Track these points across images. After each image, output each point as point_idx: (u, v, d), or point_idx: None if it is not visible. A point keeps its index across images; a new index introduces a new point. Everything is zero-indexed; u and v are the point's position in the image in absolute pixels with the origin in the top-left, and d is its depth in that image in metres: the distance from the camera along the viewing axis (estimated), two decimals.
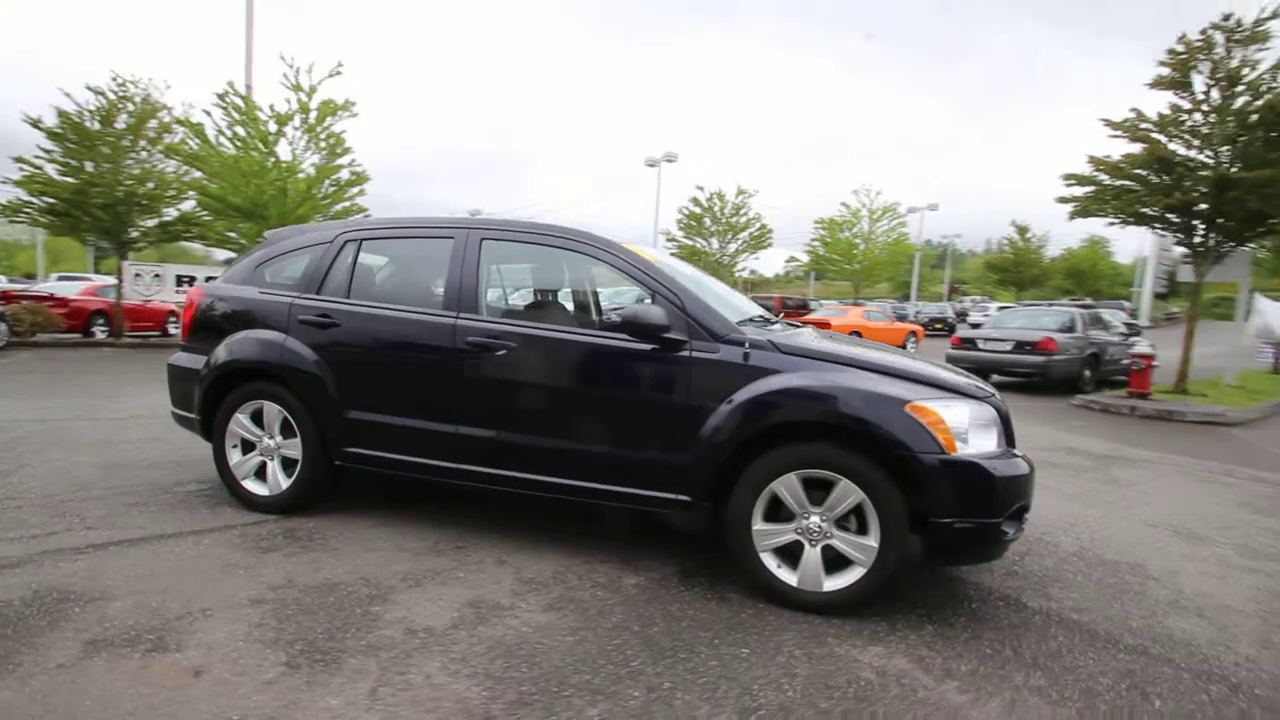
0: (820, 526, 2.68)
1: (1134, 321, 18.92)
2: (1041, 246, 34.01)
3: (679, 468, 2.82)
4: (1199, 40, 9.65)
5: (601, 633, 2.44)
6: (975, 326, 16.38)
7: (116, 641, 2.21)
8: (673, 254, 19.88)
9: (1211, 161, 9.50)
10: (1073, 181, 11.25)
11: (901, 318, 23.81)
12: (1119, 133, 10.57)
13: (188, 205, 13.89)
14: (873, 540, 2.61)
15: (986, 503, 2.57)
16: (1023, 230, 33.52)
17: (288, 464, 3.49)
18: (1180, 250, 12.23)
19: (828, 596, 2.67)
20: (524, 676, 2.12)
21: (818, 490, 2.68)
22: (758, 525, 2.74)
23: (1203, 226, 9.96)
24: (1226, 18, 9.48)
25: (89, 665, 2.07)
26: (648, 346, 2.88)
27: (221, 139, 12.36)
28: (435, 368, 3.17)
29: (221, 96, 12.11)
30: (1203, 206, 9.58)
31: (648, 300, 3.00)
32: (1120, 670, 2.38)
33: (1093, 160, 11.02)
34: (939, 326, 28.05)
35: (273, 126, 12.40)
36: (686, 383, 2.83)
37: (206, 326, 3.71)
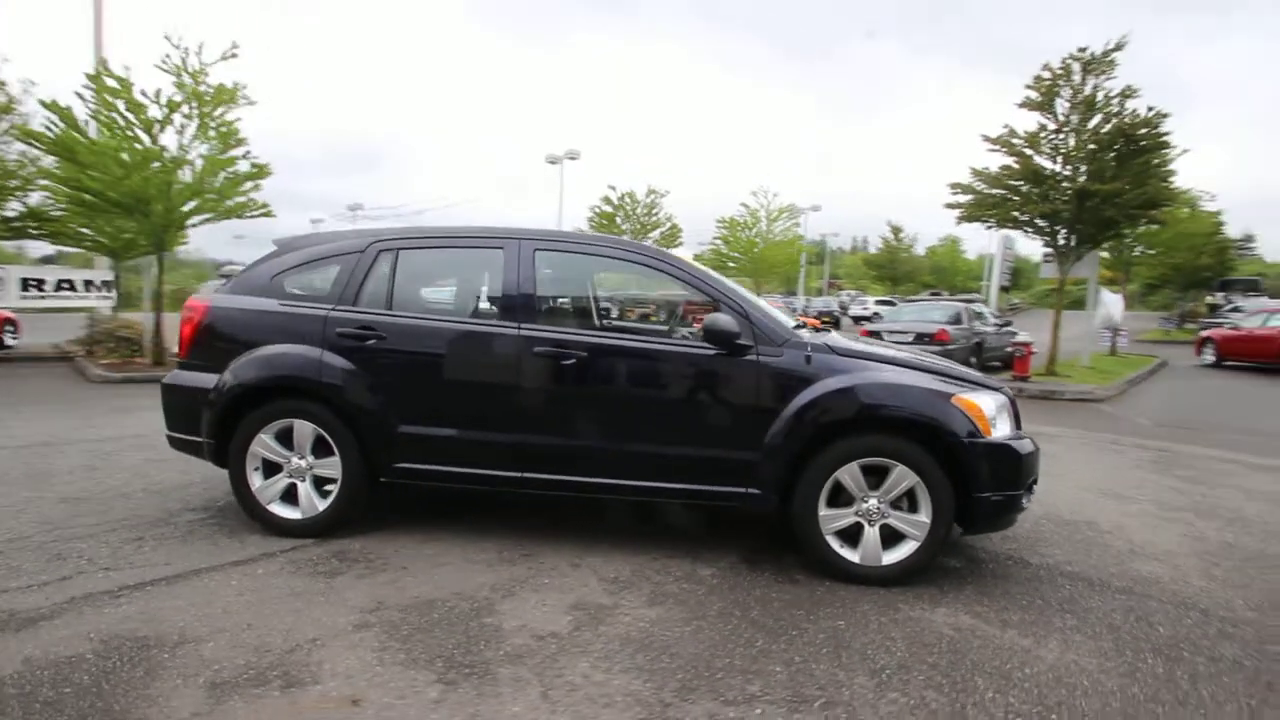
0: (878, 508, 3.01)
1: (999, 313, 21.40)
2: (912, 245, 37.64)
3: (748, 464, 3.05)
4: (1060, 68, 11.21)
5: (712, 620, 2.62)
6: (863, 319, 17.90)
7: (241, 682, 2.10)
8: None
9: (1072, 175, 11.08)
10: (958, 189, 12.66)
11: (793, 311, 25.45)
12: (996, 147, 12.05)
13: (35, 198, 12.16)
14: (924, 517, 2.98)
15: (1014, 478, 3.02)
16: (896, 230, 36.93)
17: (320, 484, 3.34)
18: (1033, 249, 14.09)
19: (885, 570, 3.01)
20: (673, 666, 2.27)
21: (872, 476, 3.01)
22: (823, 511, 3.03)
23: (1065, 231, 11.60)
24: (1082, 50, 11.08)
25: (230, 710, 1.97)
26: (715, 351, 3.08)
27: (93, 125, 10.92)
28: (499, 378, 3.18)
29: (94, 77, 10.69)
30: (1066, 214, 11.15)
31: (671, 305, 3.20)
32: (1123, 608, 2.90)
33: (974, 171, 12.46)
34: (827, 320, 30.26)
35: (157, 112, 11.13)
36: (755, 385, 3.06)
37: (216, 342, 3.44)
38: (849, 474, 3.00)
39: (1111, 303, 15.06)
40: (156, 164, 11.19)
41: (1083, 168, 10.97)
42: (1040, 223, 11.61)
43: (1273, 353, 13.48)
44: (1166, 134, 10.34)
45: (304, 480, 3.34)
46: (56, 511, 3.67)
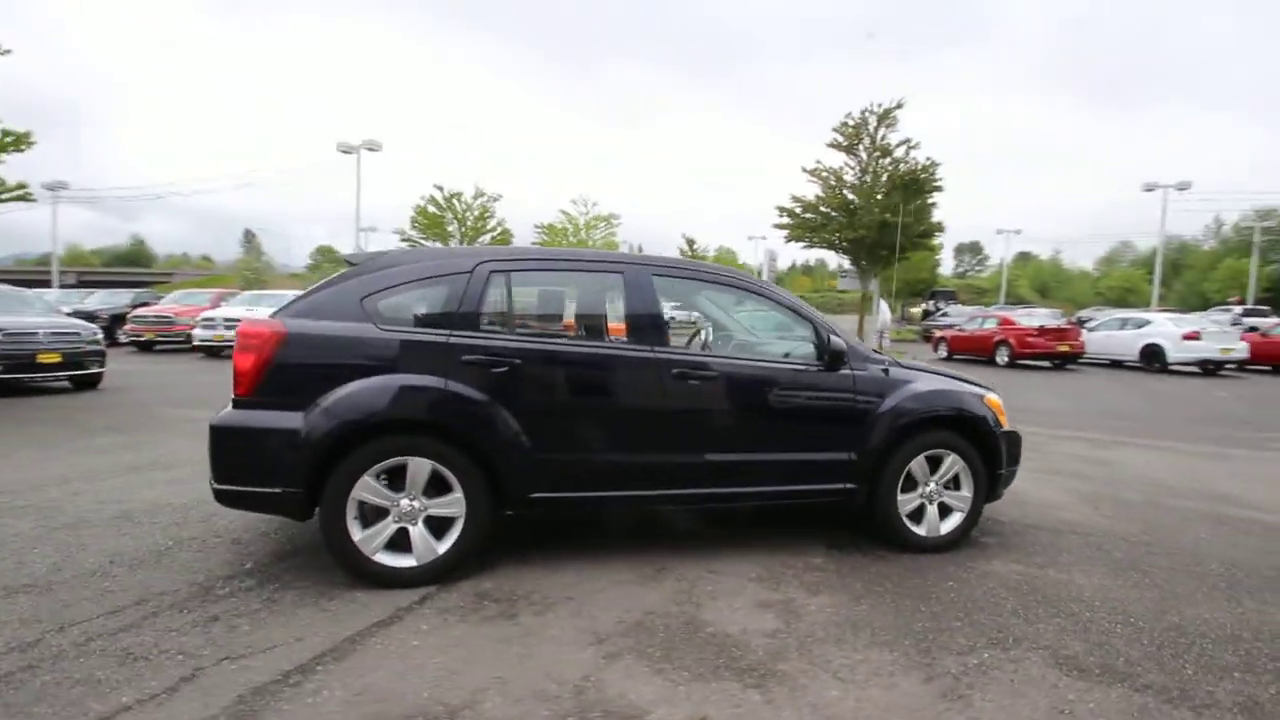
0: (936, 490, 3.75)
1: None
2: (704, 256, 41.53)
3: (849, 463, 3.58)
4: (859, 119, 13.64)
5: (874, 598, 3.09)
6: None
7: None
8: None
9: (872, 208, 13.57)
10: (783, 213, 14.65)
11: None
12: (812, 178, 14.22)
13: None
14: (967, 493, 3.79)
15: (1017, 454, 3.98)
16: (691, 241, 40.47)
17: (434, 525, 3.10)
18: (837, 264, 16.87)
19: (942, 539, 3.76)
20: (893, 636, 2.70)
21: (930, 464, 3.75)
22: (900, 496, 3.68)
23: (865, 253, 14.14)
24: (876, 105, 13.61)
25: None
26: (819, 368, 3.55)
27: None
28: (639, 401, 3.27)
29: None
30: (869, 239, 13.61)
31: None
32: (1088, 545, 3.99)
33: (794, 198, 14.54)
34: None
35: None
36: (852, 396, 3.60)
37: (297, 375, 2.98)
38: (917, 464, 3.69)
39: (884, 309, 18.64)
40: None
41: (880, 200, 13.49)
42: (847, 246, 14.00)
43: (988, 349, 17.82)
44: (939, 179, 13.21)
45: (416, 524, 3.06)
46: (68, 593, 2.83)
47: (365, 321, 3.07)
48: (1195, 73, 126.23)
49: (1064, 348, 16.22)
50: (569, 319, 3.58)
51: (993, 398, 3.90)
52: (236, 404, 2.98)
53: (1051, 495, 5.18)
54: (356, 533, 2.98)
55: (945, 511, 3.79)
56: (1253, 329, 17.50)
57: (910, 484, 3.72)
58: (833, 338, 3.52)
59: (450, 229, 20.53)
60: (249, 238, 77.83)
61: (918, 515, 3.74)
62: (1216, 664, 2.57)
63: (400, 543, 3.06)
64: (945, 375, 3.97)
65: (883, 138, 13.62)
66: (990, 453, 3.81)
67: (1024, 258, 73.98)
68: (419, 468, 3.03)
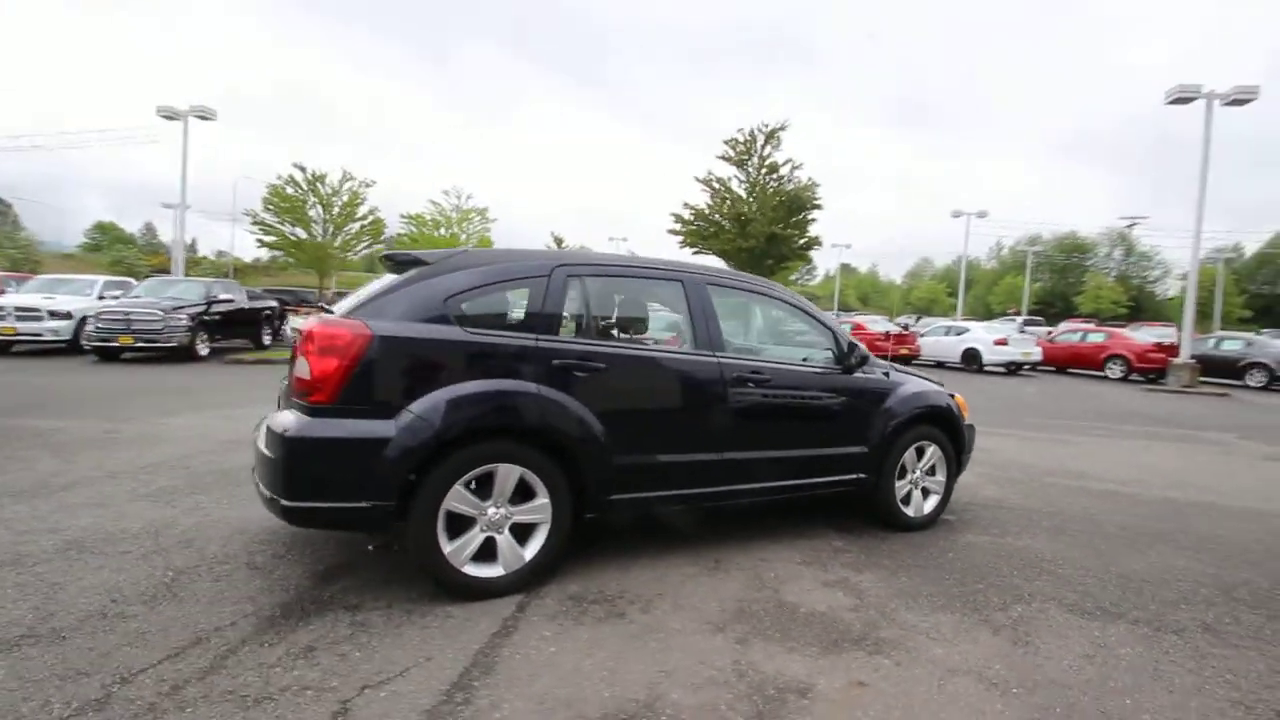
0: (921, 476, 4.37)
1: None
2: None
3: (860, 455, 4.06)
4: (749, 137, 14.68)
5: (904, 571, 3.57)
6: None
7: (772, 709, 2.23)
8: (269, 242, 17.60)
9: (762, 220, 14.67)
10: (678, 220, 15.33)
11: None
12: (705, 188, 15.05)
13: None
14: (942, 478, 4.46)
15: (972, 445, 4.74)
16: (559, 240, 40.15)
17: (517, 533, 3.07)
18: None
19: (924, 519, 4.38)
20: (942, 601, 3.18)
21: (916, 454, 4.35)
22: (896, 484, 4.24)
23: (754, 262, 15.24)
24: (764, 125, 14.74)
25: None
26: (839, 370, 3.99)
27: None
28: (706, 403, 3.46)
29: None
30: (759, 250, 14.70)
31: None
32: (1019, 518, 4.83)
33: (688, 206, 15.29)
34: None
35: None
36: (864, 396, 4.08)
37: (384, 380, 2.79)
38: (908, 455, 4.28)
39: None
40: None
41: (770, 213, 14.63)
42: (742, 255, 15.00)
43: None
44: (819, 197, 14.62)
45: (502, 532, 3.02)
46: (91, 639, 2.39)
47: (450, 324, 2.96)
48: (990, 114, 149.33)
49: (904, 351, 18.66)
50: (638, 324, 3.67)
51: (959, 397, 4.61)
52: (316, 411, 2.73)
53: (964, 479, 6.13)
54: (446, 545, 2.88)
55: (925, 494, 4.42)
56: (1047, 336, 21.35)
57: (901, 472, 4.29)
58: (852, 344, 3.98)
59: (313, 214, 18.70)
60: (4, 210, 64.15)
61: (906, 499, 4.33)
62: (1167, 600, 3.35)
63: (486, 552, 3.00)
64: (922, 378, 4.61)
65: (769, 155, 14.80)
66: (959, 443, 4.51)
67: (846, 269, 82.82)
68: (508, 475, 2.98)
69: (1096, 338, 19.27)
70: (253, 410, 7.88)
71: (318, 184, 18.51)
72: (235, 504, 4.23)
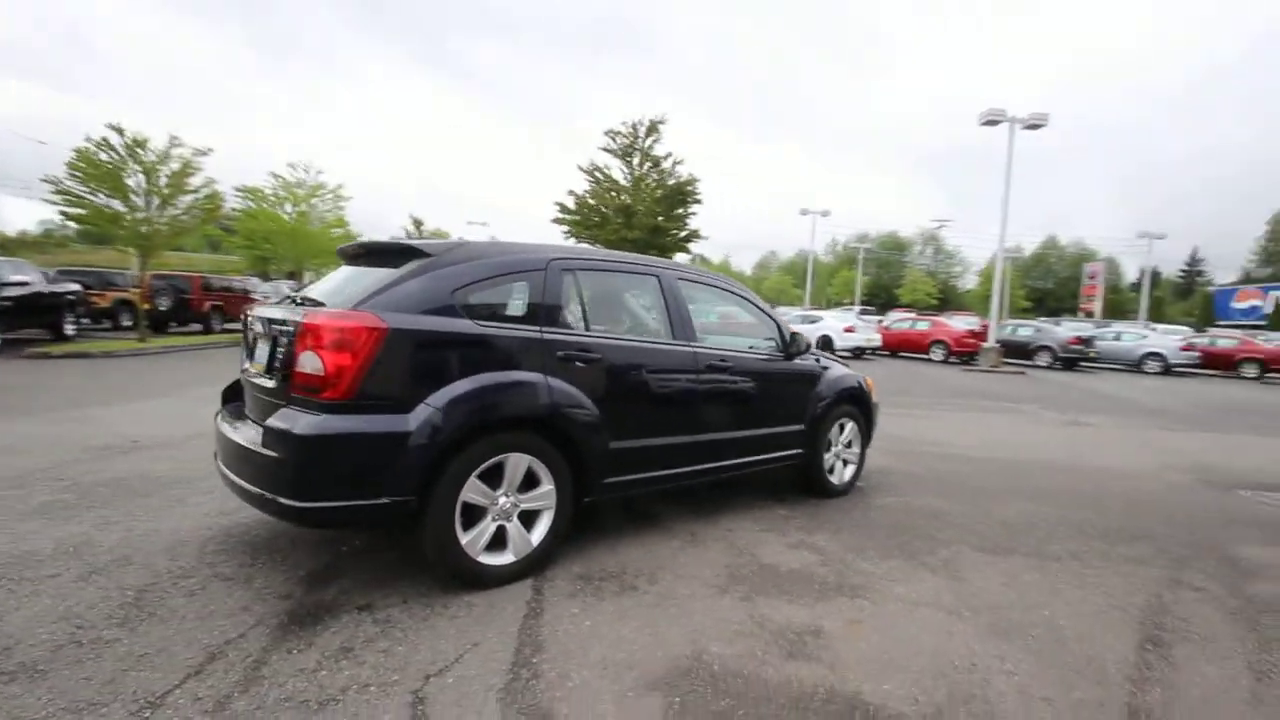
0: (842, 449, 5.01)
1: None
2: (431, 235, 39.47)
3: (800, 433, 4.58)
4: (631, 130, 15.05)
5: (849, 530, 4.12)
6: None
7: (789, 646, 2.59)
8: (75, 215, 15.51)
9: (646, 212, 15.13)
10: (563, 209, 15.37)
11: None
12: (589, 178, 15.23)
13: None
14: (858, 450, 5.14)
15: (876, 418, 5.49)
16: (418, 223, 37.96)
17: (525, 519, 3.17)
18: None
19: (845, 485, 5.03)
20: (891, 548, 3.75)
21: (837, 429, 4.99)
22: (824, 456, 4.83)
23: (638, 253, 15.68)
24: (643, 120, 15.15)
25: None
26: (782, 357, 4.46)
27: None
28: (683, 389, 3.73)
29: None
30: (642, 241, 15.15)
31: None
32: (910, 481, 5.69)
33: (572, 193, 15.38)
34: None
35: None
36: (801, 379, 4.59)
37: (399, 374, 2.75)
38: (834, 430, 4.89)
39: None
40: None
41: (653, 205, 15.13)
42: (625, 246, 15.35)
43: None
44: (699, 193, 15.36)
45: (511, 520, 3.11)
46: (92, 668, 2.15)
47: (460, 317, 2.97)
48: (825, 114, 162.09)
49: None
50: (622, 316, 3.84)
51: (869, 379, 5.31)
52: (332, 408, 2.64)
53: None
54: (463, 536, 2.92)
55: (845, 465, 5.07)
56: (879, 324, 24.08)
57: (827, 446, 4.89)
58: (793, 334, 4.48)
59: (132, 183, 16.11)
60: None
61: (831, 469, 4.94)
62: (1039, 537, 4.21)
63: (497, 541, 3.07)
64: (840, 363, 5.24)
65: (649, 148, 15.28)
66: (870, 419, 5.22)
67: (702, 261, 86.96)
68: (517, 464, 3.07)
69: (923, 325, 22.16)
70: (104, 412, 6.92)
71: (138, 149, 15.98)
72: (152, 515, 3.83)
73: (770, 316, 4.59)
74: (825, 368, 4.85)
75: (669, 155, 15.62)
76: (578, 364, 3.28)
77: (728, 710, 2.18)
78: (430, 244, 3.14)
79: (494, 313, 3.13)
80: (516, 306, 3.22)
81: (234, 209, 23.53)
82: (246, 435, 2.92)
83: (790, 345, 4.50)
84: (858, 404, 5.08)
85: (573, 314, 3.40)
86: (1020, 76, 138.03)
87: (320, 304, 3.00)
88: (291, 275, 36.53)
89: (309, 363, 2.68)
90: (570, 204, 15.70)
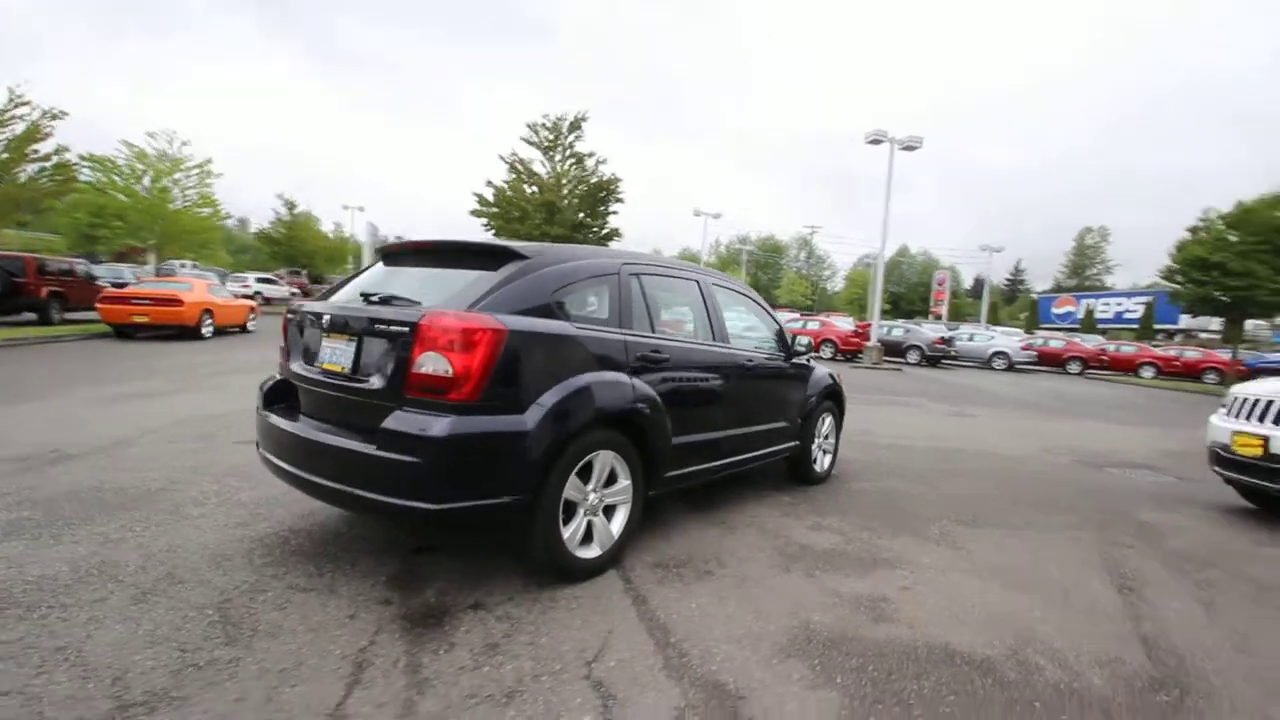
0: (823, 441, 5.55)
1: None
2: (312, 222, 36.19)
3: (796, 427, 5.05)
4: (553, 125, 15.02)
5: (855, 512, 4.63)
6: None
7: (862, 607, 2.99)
8: None
9: (568, 209, 15.17)
10: (482, 202, 15.04)
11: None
12: (511, 170, 15.03)
13: None
14: (834, 440, 5.72)
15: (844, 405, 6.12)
16: (291, 205, 34.73)
17: (605, 513, 3.34)
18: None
19: (825, 473, 5.59)
20: (893, 526, 4.29)
21: (822, 421, 5.53)
22: (812, 446, 5.35)
23: None
24: (565, 116, 15.18)
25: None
26: (783, 358, 4.90)
27: None
28: (727, 388, 4.04)
29: None
30: (563, 238, 15.17)
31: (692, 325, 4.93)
32: (869, 468, 6.37)
33: (490, 185, 15.10)
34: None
35: None
36: (798, 377, 5.07)
37: (516, 374, 2.81)
38: (822, 422, 5.42)
39: None
40: None
41: (576, 201, 15.21)
42: (546, 242, 15.31)
43: None
44: (621, 193, 15.63)
45: (597, 514, 3.26)
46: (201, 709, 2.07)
47: (561, 319, 3.08)
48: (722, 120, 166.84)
49: None
50: (678, 318, 4.06)
51: (838, 373, 5.92)
52: (462, 410, 2.65)
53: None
54: (565, 531, 3.04)
55: (824, 454, 5.63)
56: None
57: (813, 438, 5.42)
58: (794, 336, 4.93)
59: None
60: None
61: (815, 459, 5.47)
62: (996, 510, 4.97)
63: (586, 535, 3.21)
64: (821, 362, 5.79)
65: (571, 144, 15.33)
66: (843, 413, 5.82)
67: None
68: (605, 461, 3.23)
69: (813, 325, 23.93)
70: (44, 406, 5.99)
71: None
72: (159, 530, 3.54)
73: (774, 319, 5.01)
74: (812, 367, 5.36)
75: (592, 154, 15.78)
76: (651, 364, 3.48)
77: (860, 666, 2.53)
78: (524, 246, 3.20)
79: (584, 315, 3.25)
80: (600, 309, 3.36)
81: (84, 182, 20.54)
82: (342, 440, 2.84)
83: (791, 346, 4.95)
84: (835, 399, 5.65)
85: (641, 316, 3.59)
86: (861, 92, 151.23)
87: (415, 303, 2.98)
88: (121, 257, 31.82)
89: (432, 364, 2.69)
90: (489, 195, 15.36)
